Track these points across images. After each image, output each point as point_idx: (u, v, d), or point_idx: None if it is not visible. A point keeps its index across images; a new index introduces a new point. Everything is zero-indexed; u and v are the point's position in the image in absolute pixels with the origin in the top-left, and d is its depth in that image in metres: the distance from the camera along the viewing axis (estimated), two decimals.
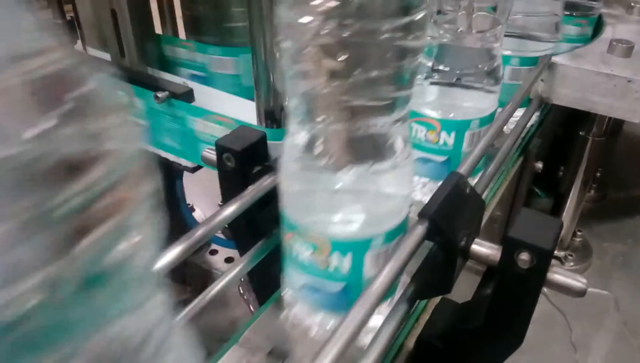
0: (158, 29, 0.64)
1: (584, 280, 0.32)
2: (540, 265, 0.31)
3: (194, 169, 0.53)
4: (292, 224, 0.32)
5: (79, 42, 0.68)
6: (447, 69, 0.43)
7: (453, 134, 0.43)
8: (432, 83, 0.43)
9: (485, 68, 0.43)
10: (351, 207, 0.32)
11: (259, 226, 0.40)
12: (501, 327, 0.34)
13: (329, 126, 0.28)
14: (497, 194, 0.55)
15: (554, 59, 0.60)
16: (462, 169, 0.37)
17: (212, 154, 0.43)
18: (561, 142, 0.78)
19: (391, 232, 0.32)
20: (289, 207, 0.32)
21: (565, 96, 0.61)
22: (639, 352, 0.65)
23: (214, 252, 0.79)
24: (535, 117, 0.64)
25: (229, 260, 0.78)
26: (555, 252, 0.81)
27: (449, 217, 0.32)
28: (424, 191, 0.47)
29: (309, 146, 0.29)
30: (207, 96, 0.51)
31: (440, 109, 0.43)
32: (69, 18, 0.67)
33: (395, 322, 0.32)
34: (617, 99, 0.58)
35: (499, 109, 0.48)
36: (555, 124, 0.72)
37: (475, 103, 0.44)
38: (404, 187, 0.33)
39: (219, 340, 0.44)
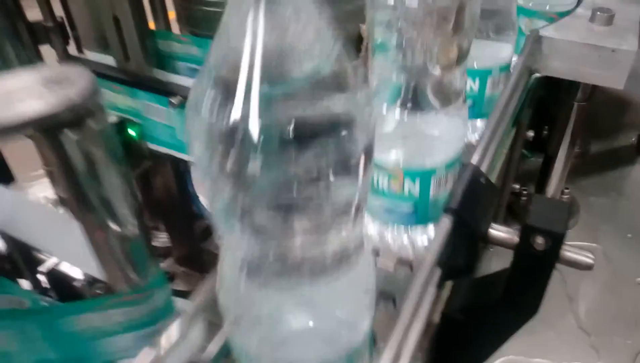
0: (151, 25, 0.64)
1: (592, 256, 0.36)
2: (555, 246, 0.34)
3: None
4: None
5: (72, 43, 0.68)
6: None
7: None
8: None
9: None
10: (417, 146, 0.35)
11: None
12: (518, 300, 0.39)
13: None
14: (497, 167, 0.58)
15: (542, 32, 0.63)
16: (475, 160, 0.40)
17: None
18: (545, 105, 0.82)
19: (449, 163, 0.38)
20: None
21: (554, 67, 0.64)
22: (628, 299, 0.71)
23: None
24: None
25: None
26: None
27: (470, 209, 0.36)
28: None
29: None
30: None
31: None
32: (59, 20, 0.67)
33: (428, 302, 0.36)
34: (603, 68, 0.61)
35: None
36: (540, 90, 0.75)
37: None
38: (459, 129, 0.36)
39: None
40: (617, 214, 0.85)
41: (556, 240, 0.34)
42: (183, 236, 0.76)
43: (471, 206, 0.36)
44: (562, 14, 0.64)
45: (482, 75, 0.47)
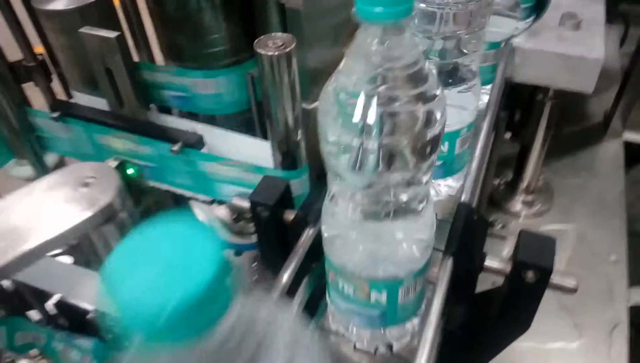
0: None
1: (575, 282, 0.40)
2: (543, 278, 0.39)
3: (210, 202, 0.58)
4: (333, 266, 0.38)
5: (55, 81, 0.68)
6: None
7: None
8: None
9: None
10: (381, 253, 0.38)
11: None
12: (512, 319, 0.43)
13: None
14: (480, 175, 0.62)
15: (514, 42, 0.66)
16: (466, 198, 0.44)
17: (240, 202, 0.48)
18: (519, 92, 0.85)
19: (418, 271, 0.39)
20: (329, 250, 0.38)
21: (527, 74, 0.67)
22: (603, 276, 0.78)
23: None
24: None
25: (238, 253, 0.84)
26: (522, 198, 0.91)
27: (466, 249, 0.40)
28: None
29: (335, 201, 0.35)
30: (216, 137, 0.54)
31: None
32: (40, 59, 0.67)
33: (434, 325, 0.40)
34: (573, 74, 0.65)
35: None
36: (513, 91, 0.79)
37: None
38: (426, 235, 0.39)
39: None
40: (589, 194, 0.91)
41: (544, 273, 0.39)
42: None
43: (467, 244, 0.40)
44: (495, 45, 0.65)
45: (451, 136, 0.47)
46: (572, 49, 0.65)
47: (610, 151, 1.00)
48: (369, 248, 0.36)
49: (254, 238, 0.88)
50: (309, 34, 0.55)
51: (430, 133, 0.29)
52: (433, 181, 0.50)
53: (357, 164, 0.30)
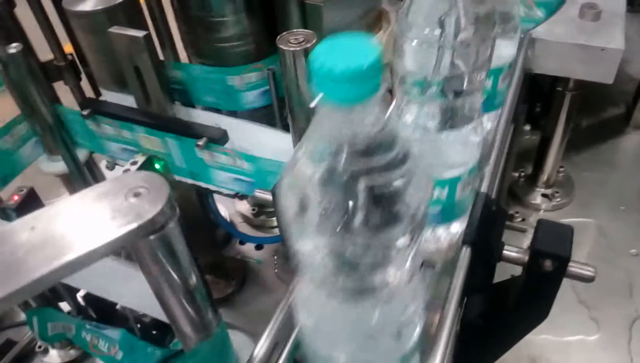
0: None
1: (593, 269, 0.41)
2: (561, 267, 0.40)
3: (233, 196, 0.60)
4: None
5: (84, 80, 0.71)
6: None
7: None
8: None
9: None
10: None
11: None
12: (530, 309, 0.44)
13: None
14: (498, 172, 0.63)
15: (533, 34, 0.66)
16: (485, 188, 0.45)
17: (263, 194, 0.50)
18: (539, 85, 0.85)
19: (471, 169, 0.42)
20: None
21: (547, 66, 0.68)
22: (623, 270, 0.77)
23: (242, 242, 0.87)
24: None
25: (259, 247, 0.86)
26: (542, 191, 0.91)
27: (485, 238, 0.41)
28: None
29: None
30: (239, 130, 0.56)
31: None
32: (69, 57, 0.69)
33: (452, 313, 0.41)
34: (592, 65, 0.65)
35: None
36: (533, 82, 0.79)
37: None
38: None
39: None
40: (609, 188, 0.90)
41: (562, 262, 0.39)
42: (207, 246, 0.80)
43: (486, 234, 0.41)
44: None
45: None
46: (592, 39, 0.65)
47: (632, 144, 0.99)
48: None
49: (274, 232, 0.90)
50: (329, 29, 0.56)
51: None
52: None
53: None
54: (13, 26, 0.62)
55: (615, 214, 0.86)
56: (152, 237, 0.29)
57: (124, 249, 0.31)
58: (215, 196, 0.71)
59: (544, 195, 0.89)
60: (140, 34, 0.51)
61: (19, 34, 0.63)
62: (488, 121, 0.56)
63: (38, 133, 0.63)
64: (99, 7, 0.55)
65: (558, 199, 0.88)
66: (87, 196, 0.30)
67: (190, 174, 0.60)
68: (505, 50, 0.52)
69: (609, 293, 0.76)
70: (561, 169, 0.90)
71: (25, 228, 0.28)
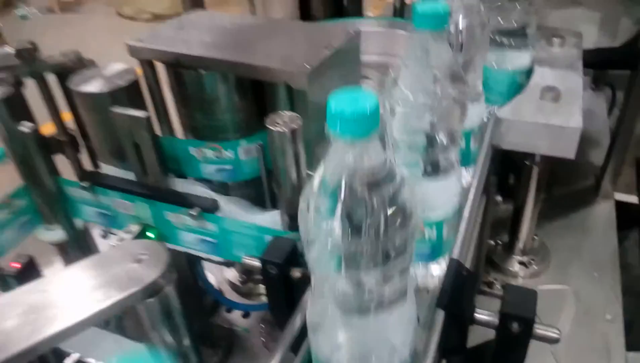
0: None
1: (558, 331, 0.44)
2: (527, 328, 0.43)
3: (227, 264, 0.63)
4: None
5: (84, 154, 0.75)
6: None
7: None
8: None
9: None
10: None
11: None
12: None
13: None
14: (473, 239, 0.67)
15: (499, 114, 0.73)
16: (456, 254, 0.48)
17: (251, 261, 0.53)
18: (510, 158, 0.91)
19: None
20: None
21: (512, 142, 0.74)
22: (600, 335, 0.80)
23: (230, 310, 0.88)
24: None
25: (246, 315, 0.87)
26: (519, 258, 0.95)
27: (458, 301, 0.44)
28: None
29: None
30: (229, 204, 0.60)
31: None
32: (71, 133, 0.74)
33: None
34: (554, 141, 0.71)
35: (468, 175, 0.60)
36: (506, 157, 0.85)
37: None
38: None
39: None
40: (583, 254, 0.95)
41: (528, 324, 0.42)
42: (195, 313, 0.82)
43: (458, 298, 0.44)
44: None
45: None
46: (553, 119, 0.71)
47: (603, 211, 1.04)
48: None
49: (261, 299, 0.92)
50: (313, 110, 0.61)
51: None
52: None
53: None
54: (20, 104, 0.67)
55: (590, 280, 0.90)
56: (151, 300, 0.33)
57: (126, 311, 0.34)
58: (205, 263, 0.74)
59: (520, 263, 0.93)
60: (141, 114, 0.56)
61: (25, 111, 0.67)
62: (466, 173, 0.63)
63: (38, 204, 0.66)
64: (104, 90, 0.61)
65: (534, 267, 0.92)
66: (94, 262, 0.33)
67: (182, 242, 0.64)
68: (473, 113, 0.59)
69: (587, 358, 0.78)
70: (535, 237, 0.95)
71: (37, 290, 0.31)
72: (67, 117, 0.73)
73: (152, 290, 0.32)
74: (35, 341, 0.27)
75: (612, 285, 0.88)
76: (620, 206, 1.06)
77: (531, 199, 0.86)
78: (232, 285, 0.93)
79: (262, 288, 0.93)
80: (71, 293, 0.31)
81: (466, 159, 0.64)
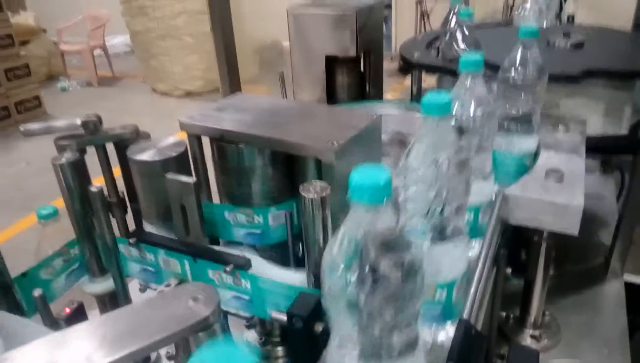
0: None
1: None
2: None
3: (248, 325, 0.68)
4: None
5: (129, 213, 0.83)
6: None
7: None
8: None
9: None
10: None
11: None
12: None
13: None
14: (483, 305, 0.72)
15: (507, 191, 0.80)
16: (466, 315, 0.54)
17: (278, 314, 0.59)
18: (523, 235, 0.97)
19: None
20: None
21: (519, 217, 0.80)
22: None
23: None
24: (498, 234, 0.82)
25: None
26: (530, 332, 0.98)
27: (466, 357, 0.49)
28: None
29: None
30: (261, 263, 0.67)
31: None
32: (121, 195, 0.83)
33: None
34: (558, 218, 0.78)
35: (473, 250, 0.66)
36: (518, 233, 0.91)
37: None
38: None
39: None
40: (593, 331, 0.97)
41: None
42: None
43: (467, 354, 0.49)
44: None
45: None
46: (556, 197, 0.78)
47: (612, 290, 1.08)
48: None
49: None
50: (339, 182, 0.69)
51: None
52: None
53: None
54: (82, 167, 0.76)
55: (599, 357, 0.92)
56: (202, 333, 0.39)
57: (180, 343, 0.40)
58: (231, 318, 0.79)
59: (532, 336, 0.96)
60: (190, 180, 0.65)
61: (84, 173, 0.77)
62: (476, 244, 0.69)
63: (86, 257, 0.74)
64: (157, 159, 0.70)
65: (545, 341, 0.95)
66: (160, 299, 0.40)
67: None
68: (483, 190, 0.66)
69: None
70: (546, 312, 0.98)
71: (111, 321, 0.37)
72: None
73: (204, 325, 0.39)
74: (117, 357, 0.33)
75: (622, 361, 0.90)
76: (629, 286, 1.09)
77: (540, 274, 0.91)
78: (251, 347, 0.97)
79: (280, 350, 0.97)
80: (141, 323, 0.37)
81: (475, 232, 0.71)
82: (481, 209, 0.71)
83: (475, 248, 0.69)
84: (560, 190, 0.80)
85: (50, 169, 0.68)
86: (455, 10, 1.54)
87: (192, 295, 0.39)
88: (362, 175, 0.38)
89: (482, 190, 0.71)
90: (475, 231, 0.70)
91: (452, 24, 1.53)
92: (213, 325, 0.39)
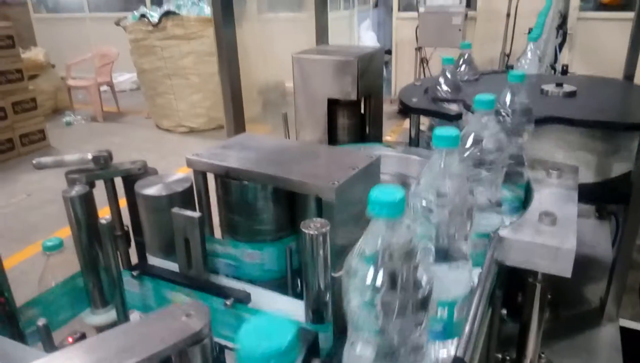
0: None
1: None
2: None
3: None
4: None
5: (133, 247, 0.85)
6: None
7: None
8: None
9: None
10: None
11: None
12: None
13: None
14: (479, 345, 0.73)
15: (501, 233, 0.82)
16: (460, 353, 0.55)
17: None
18: (516, 274, 0.98)
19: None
20: None
21: (514, 259, 0.82)
22: None
23: None
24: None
25: None
26: None
27: None
28: None
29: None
30: (261, 295, 0.68)
31: None
32: (125, 229, 0.85)
33: None
34: (551, 260, 0.80)
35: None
36: (514, 275, 0.93)
37: None
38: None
39: None
40: None
41: None
42: None
43: None
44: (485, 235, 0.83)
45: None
46: (549, 240, 0.80)
47: (607, 334, 1.08)
48: None
49: None
50: (338, 219, 0.72)
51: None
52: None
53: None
54: (91, 201, 0.79)
55: None
56: (196, 347, 0.41)
57: (173, 356, 0.41)
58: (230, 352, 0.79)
59: None
60: (195, 215, 0.67)
61: (92, 206, 0.79)
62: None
63: (89, 289, 0.75)
64: (164, 193, 0.73)
65: None
66: (155, 316, 0.42)
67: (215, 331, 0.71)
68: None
69: None
70: (542, 355, 0.99)
71: (112, 337, 0.39)
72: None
73: (197, 338, 0.41)
74: None
75: None
76: (625, 330, 1.10)
77: (536, 316, 0.92)
78: None
79: None
80: (139, 338, 0.39)
81: (449, 331, 0.72)
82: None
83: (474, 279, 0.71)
84: (553, 233, 0.82)
85: (51, 202, 0.71)
86: (466, 56, 1.61)
87: (185, 312, 0.42)
88: (380, 193, 0.45)
89: (492, 222, 0.76)
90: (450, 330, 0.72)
91: (462, 68, 1.60)
92: (203, 340, 0.41)
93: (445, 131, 0.59)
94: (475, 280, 0.71)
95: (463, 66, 1.61)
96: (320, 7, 1.50)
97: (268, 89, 4.60)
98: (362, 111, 1.32)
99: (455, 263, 0.62)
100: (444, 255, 0.61)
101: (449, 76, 1.40)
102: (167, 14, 4.51)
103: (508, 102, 0.91)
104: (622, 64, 1.61)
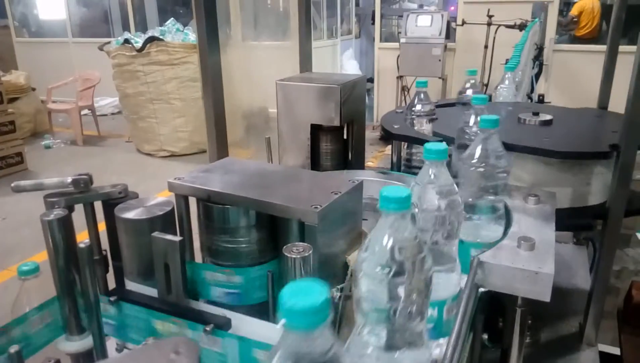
0: None
1: None
2: None
3: None
4: None
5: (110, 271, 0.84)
6: None
7: None
8: None
9: None
10: None
11: None
12: None
13: None
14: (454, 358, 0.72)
15: (481, 258, 0.83)
16: None
17: None
18: (496, 300, 0.99)
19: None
20: None
21: (493, 283, 0.82)
22: None
23: None
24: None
25: None
26: None
27: None
28: None
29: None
30: (241, 321, 0.67)
31: None
32: (104, 253, 0.84)
33: None
34: (530, 284, 0.80)
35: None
36: (490, 297, 0.93)
37: None
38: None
39: None
40: None
41: None
42: None
43: None
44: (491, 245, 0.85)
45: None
46: (528, 264, 0.81)
47: (587, 359, 1.09)
48: None
49: None
50: (321, 243, 0.72)
51: (424, 276, 0.53)
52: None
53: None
54: (70, 225, 0.78)
55: None
56: None
57: None
58: None
59: None
60: (176, 238, 0.67)
61: (72, 231, 0.78)
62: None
63: (65, 315, 0.73)
64: (144, 217, 0.72)
65: None
66: (142, 351, 0.41)
67: None
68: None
69: None
70: None
71: None
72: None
73: None
74: None
75: None
76: (604, 355, 1.11)
77: (516, 340, 0.92)
78: None
79: None
80: None
81: (438, 330, 0.71)
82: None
83: (441, 347, 0.70)
84: (531, 258, 0.83)
85: (26, 224, 0.70)
86: (471, 81, 1.62)
87: (174, 348, 0.41)
88: (389, 191, 0.52)
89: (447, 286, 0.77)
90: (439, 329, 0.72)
91: (468, 92, 1.61)
92: None
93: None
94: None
95: (469, 90, 1.58)
96: (304, 36, 1.53)
97: (252, 114, 4.62)
98: (345, 136, 1.34)
99: (443, 266, 0.69)
100: (435, 258, 0.64)
101: (423, 98, 1.42)
102: (152, 39, 4.53)
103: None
104: (597, 94, 1.66)
